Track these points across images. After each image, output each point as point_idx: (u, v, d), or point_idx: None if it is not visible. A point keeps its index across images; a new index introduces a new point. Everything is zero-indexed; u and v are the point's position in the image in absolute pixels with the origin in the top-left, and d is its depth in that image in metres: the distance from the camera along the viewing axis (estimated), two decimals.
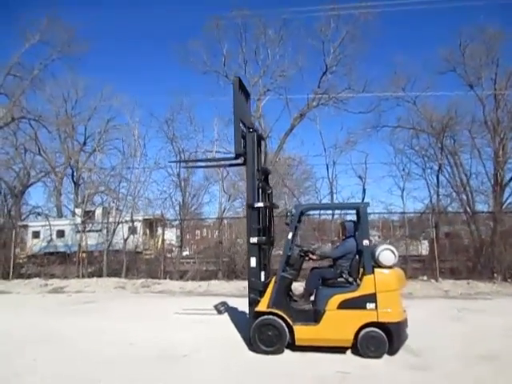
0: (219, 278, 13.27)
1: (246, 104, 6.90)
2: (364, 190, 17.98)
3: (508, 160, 16.58)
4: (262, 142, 6.74)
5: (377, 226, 16.68)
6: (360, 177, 18.32)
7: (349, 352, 5.39)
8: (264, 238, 5.82)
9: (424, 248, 15.00)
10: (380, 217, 16.32)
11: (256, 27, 18.64)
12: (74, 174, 25.92)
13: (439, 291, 11.18)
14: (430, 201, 16.57)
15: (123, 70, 46.36)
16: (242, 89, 6.55)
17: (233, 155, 6.47)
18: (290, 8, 21.48)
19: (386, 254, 5.33)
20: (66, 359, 5.39)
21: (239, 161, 6.46)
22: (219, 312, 8.44)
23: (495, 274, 12.34)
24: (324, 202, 18.08)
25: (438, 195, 16.58)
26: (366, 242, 5.36)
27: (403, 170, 17.59)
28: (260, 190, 6.19)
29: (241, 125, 6.17)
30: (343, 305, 5.25)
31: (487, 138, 16.82)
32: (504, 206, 15.91)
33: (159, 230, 16.11)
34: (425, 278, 12.50)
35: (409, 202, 19.99)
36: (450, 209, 16.48)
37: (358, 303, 5.21)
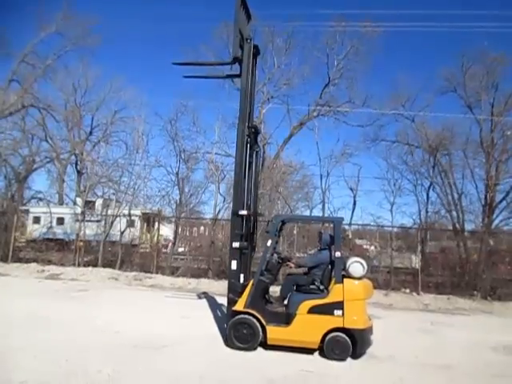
0: (209, 277, 13.69)
1: (247, 22, 7.31)
2: (355, 202, 18.46)
3: (500, 182, 17.05)
4: (258, 57, 7.31)
5: (374, 237, 17.11)
6: (351, 188, 18.79)
7: (316, 354, 5.86)
8: (246, 243, 6.31)
9: (417, 261, 15.42)
10: (378, 228, 16.72)
11: (265, 35, 19.12)
12: (78, 162, 26.45)
13: (419, 304, 11.52)
14: (419, 216, 17.02)
15: (132, 68, 46.90)
16: (244, 6, 7.03)
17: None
18: (299, 20, 21.85)
19: (356, 266, 5.81)
20: (57, 341, 5.87)
21: (236, 70, 7.04)
22: (200, 298, 10.13)
23: (475, 292, 12.74)
24: (316, 209, 18.70)
25: (426, 211, 17.05)
26: (337, 254, 5.84)
27: (394, 185, 18.04)
28: (249, 146, 6.72)
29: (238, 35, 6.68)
30: (313, 310, 5.73)
31: (480, 159, 17.28)
32: (493, 226, 16.37)
33: (156, 225, 16.58)
34: (407, 290, 12.91)
35: (398, 216, 20.44)
36: (437, 225, 16.91)
37: (327, 309, 5.69)
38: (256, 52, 7.08)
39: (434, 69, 37.96)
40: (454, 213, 16.49)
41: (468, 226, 16.43)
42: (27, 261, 15.45)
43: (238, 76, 7.04)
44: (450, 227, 16.44)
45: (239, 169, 6.47)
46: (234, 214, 6.33)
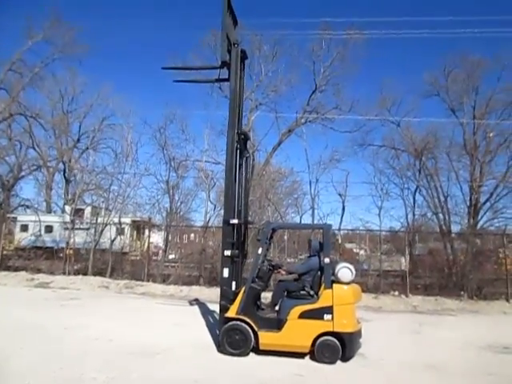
0: (201, 284, 13.75)
1: (234, 28, 7.49)
2: (343, 207, 18.70)
3: (484, 183, 17.44)
4: (246, 61, 7.50)
5: (364, 241, 17.32)
6: (340, 194, 19.03)
7: (307, 358, 5.98)
8: (237, 251, 6.45)
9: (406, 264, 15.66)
10: (367, 232, 16.91)
11: (252, 43, 19.27)
12: (66, 170, 26.30)
13: (408, 306, 11.75)
14: (406, 220, 17.30)
15: (120, 77, 47.03)
16: (231, 12, 7.23)
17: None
18: (285, 28, 22.22)
19: (344, 272, 5.97)
20: (50, 350, 5.92)
21: (224, 75, 7.24)
22: (191, 305, 10.34)
23: (462, 292, 12.98)
24: (306, 215, 18.99)
25: (413, 214, 17.34)
26: (327, 260, 5.99)
27: (382, 189, 18.32)
28: (238, 152, 6.85)
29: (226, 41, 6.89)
30: (303, 315, 5.86)
31: (464, 161, 17.69)
32: (478, 227, 16.72)
33: (146, 233, 16.57)
34: (396, 293, 13.12)
35: (386, 220, 20.78)
36: (424, 228, 17.22)
37: (317, 314, 5.82)
38: (243, 56, 7.28)
39: (418, 73, 38.69)
40: (441, 215, 16.81)
41: (454, 228, 16.77)
42: (16, 269, 15.38)
43: (227, 80, 7.22)
44: (437, 229, 16.74)
45: (229, 173, 6.62)
46: (225, 222, 6.46)
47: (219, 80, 8.07)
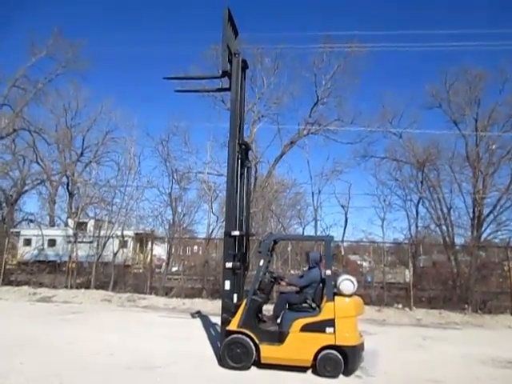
0: (203, 297, 13.70)
1: (234, 38, 7.54)
2: (346, 219, 18.67)
3: (487, 195, 17.38)
4: (247, 72, 7.59)
5: (368, 252, 17.23)
6: (343, 205, 19.03)
7: (309, 371, 5.90)
8: (238, 263, 6.43)
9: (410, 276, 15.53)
10: (371, 244, 16.83)
11: (254, 56, 19.41)
12: (70, 184, 26.44)
13: (412, 319, 11.63)
14: (409, 231, 17.24)
15: (122, 90, 47.58)
16: (231, 22, 7.29)
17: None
18: (287, 41, 22.39)
19: (346, 284, 5.92)
20: (50, 365, 5.87)
21: (225, 85, 7.30)
22: (194, 318, 10.32)
23: (466, 305, 12.83)
24: (309, 226, 18.94)
25: (416, 226, 17.27)
26: (328, 272, 5.96)
27: (384, 200, 18.31)
28: (240, 162, 6.87)
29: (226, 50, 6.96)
30: (305, 328, 5.80)
31: (467, 173, 17.66)
32: (482, 240, 16.61)
33: (149, 246, 16.57)
34: (400, 305, 12.99)
35: (389, 232, 20.78)
36: (427, 240, 17.13)
37: (319, 327, 5.76)
38: (244, 65, 7.36)
39: (420, 85, 38.97)
40: (444, 227, 16.75)
41: (458, 240, 16.68)
42: (18, 284, 15.36)
43: (228, 89, 7.28)
44: (441, 241, 16.65)
45: (231, 183, 6.64)
46: (227, 234, 6.47)
47: (220, 89, 8.16)
